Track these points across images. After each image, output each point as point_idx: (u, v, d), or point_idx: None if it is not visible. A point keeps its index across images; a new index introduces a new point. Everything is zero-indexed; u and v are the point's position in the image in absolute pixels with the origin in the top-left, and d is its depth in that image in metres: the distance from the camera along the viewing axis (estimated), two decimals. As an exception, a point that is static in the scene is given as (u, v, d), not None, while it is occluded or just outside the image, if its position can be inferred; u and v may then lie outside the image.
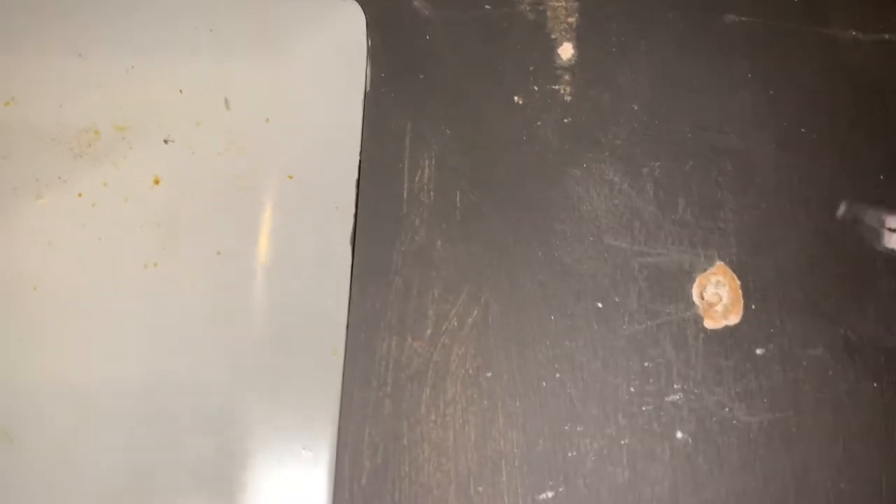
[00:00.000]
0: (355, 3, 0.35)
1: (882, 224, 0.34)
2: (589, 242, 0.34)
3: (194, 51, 0.35)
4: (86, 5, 0.34)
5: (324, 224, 0.33)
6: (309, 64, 0.35)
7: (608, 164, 0.35)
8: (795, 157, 0.35)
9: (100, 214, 0.33)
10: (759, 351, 0.33)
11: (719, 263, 0.34)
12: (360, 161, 0.34)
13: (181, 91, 0.35)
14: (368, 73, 0.35)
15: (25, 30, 0.34)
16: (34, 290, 0.32)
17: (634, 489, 0.31)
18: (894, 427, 0.32)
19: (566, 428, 0.31)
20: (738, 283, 0.33)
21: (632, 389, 0.32)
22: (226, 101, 0.34)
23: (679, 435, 0.32)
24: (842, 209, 0.34)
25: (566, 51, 0.36)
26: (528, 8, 0.36)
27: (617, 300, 0.33)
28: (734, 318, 0.33)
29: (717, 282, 0.33)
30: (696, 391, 0.32)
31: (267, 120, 0.34)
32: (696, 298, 0.33)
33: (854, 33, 0.37)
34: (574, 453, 0.31)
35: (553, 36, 0.37)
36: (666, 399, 0.32)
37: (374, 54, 0.35)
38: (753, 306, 0.33)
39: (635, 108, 0.36)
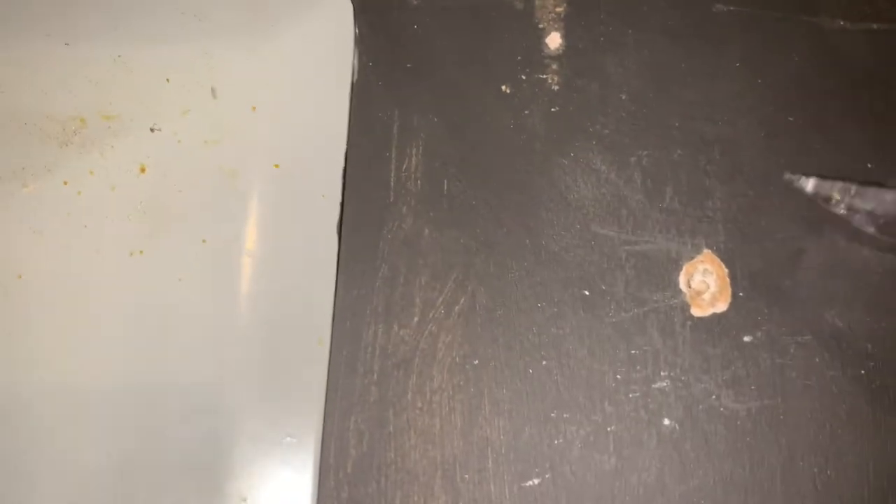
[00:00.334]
0: (342, -9, 0.35)
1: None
2: (576, 231, 0.34)
3: (181, 40, 0.35)
4: (72, -6, 0.34)
5: (310, 212, 0.33)
6: (296, 53, 0.35)
7: (595, 153, 0.35)
8: (783, 145, 0.35)
9: (85, 202, 0.33)
10: (746, 338, 0.33)
11: (706, 251, 0.34)
12: (346, 150, 0.34)
13: (168, 80, 0.34)
14: (356, 63, 0.35)
15: (11, 18, 0.34)
16: (19, 278, 0.32)
17: (621, 476, 0.31)
18: (881, 414, 0.31)
19: (552, 415, 0.31)
20: (726, 270, 0.33)
21: (618, 377, 0.32)
22: (212, 90, 0.34)
23: (666, 422, 0.31)
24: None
25: (554, 40, 0.36)
26: (515, -3, 0.36)
27: (604, 288, 0.33)
28: (721, 306, 0.33)
29: (705, 270, 0.33)
30: (683, 378, 0.32)
31: (254, 108, 0.34)
32: (683, 286, 0.33)
33: (842, 22, 0.37)
34: (560, 440, 0.31)
35: (541, 25, 0.37)
36: (653, 386, 0.32)
37: (361, 43, 0.35)
38: (741, 294, 0.33)
39: (623, 97, 0.36)
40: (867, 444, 0.31)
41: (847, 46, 0.37)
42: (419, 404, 0.31)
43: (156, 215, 0.33)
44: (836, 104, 0.36)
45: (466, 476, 0.31)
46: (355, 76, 0.35)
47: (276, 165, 0.33)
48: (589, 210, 0.34)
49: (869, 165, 0.35)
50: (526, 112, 0.35)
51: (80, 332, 0.31)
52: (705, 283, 0.33)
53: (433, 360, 0.32)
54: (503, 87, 0.36)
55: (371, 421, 0.31)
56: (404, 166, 0.34)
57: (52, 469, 0.30)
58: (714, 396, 0.32)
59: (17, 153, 0.33)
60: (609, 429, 0.31)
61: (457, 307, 0.33)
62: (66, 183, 0.33)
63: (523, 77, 0.36)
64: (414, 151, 0.35)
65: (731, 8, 0.37)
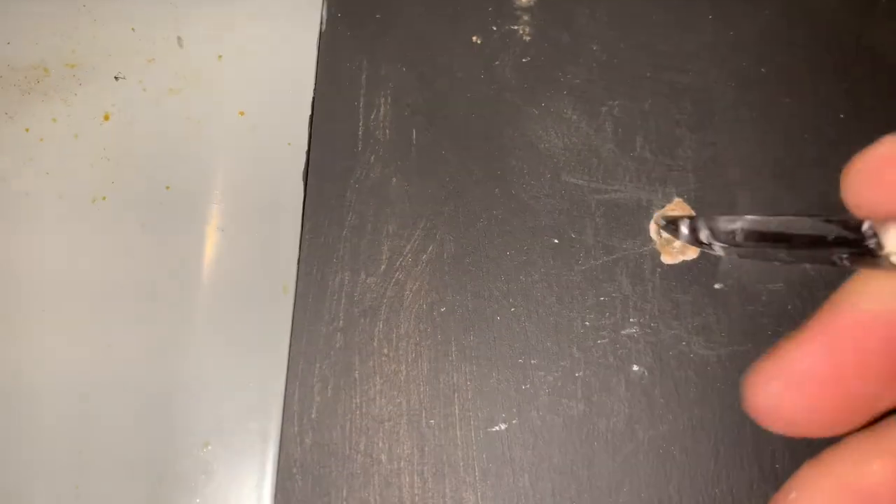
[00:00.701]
0: (310, -61, 0.35)
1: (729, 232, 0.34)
2: (546, 180, 0.34)
3: (147, -10, 0.34)
4: (35, -59, 0.34)
5: (276, 160, 0.33)
6: (263, 2, 0.35)
7: (566, 103, 0.35)
8: (754, 96, 0.35)
9: (48, 150, 0.32)
10: (717, 286, 0.32)
11: (677, 199, 0.33)
12: (313, 99, 0.34)
13: (133, 29, 0.34)
14: (324, 13, 0.35)
15: (-27, -35, 0.34)
16: (-22, 224, 0.31)
17: (589, 421, 0.30)
18: (851, 358, 0.31)
19: (520, 361, 0.31)
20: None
21: (587, 323, 0.32)
22: (178, 39, 0.34)
23: (635, 368, 0.31)
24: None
25: (525, -8, 0.36)
26: (485, -53, 0.36)
27: (573, 236, 0.33)
28: (692, 254, 0.33)
29: (679, 217, 0.33)
30: (652, 325, 0.32)
31: (220, 58, 0.34)
32: (653, 234, 0.33)
33: (814, -25, 0.37)
34: (528, 386, 0.31)
35: (512, -22, 0.36)
36: (622, 333, 0.32)
37: (329, -7, 0.35)
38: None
39: (594, 48, 0.36)
40: (837, 388, 0.31)
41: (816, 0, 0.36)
42: (385, 351, 0.31)
43: (119, 163, 0.32)
44: (807, 56, 0.36)
45: (432, 421, 0.30)
46: (323, 26, 0.35)
47: (242, 113, 0.33)
48: (559, 159, 0.34)
49: (841, 116, 0.35)
50: (496, 63, 0.35)
51: (42, 276, 0.31)
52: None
53: (400, 308, 0.32)
54: (474, 38, 0.35)
55: (336, 367, 0.31)
56: (372, 116, 0.34)
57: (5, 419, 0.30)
58: (684, 343, 0.32)
59: (-22, 101, 0.33)
60: (577, 374, 0.31)
61: (424, 255, 0.32)
62: (27, 130, 0.32)
63: (494, 28, 0.36)
64: (382, 101, 0.34)
65: (703, -40, 0.37)
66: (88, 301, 0.31)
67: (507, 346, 0.31)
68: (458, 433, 0.30)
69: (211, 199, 0.32)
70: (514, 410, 0.30)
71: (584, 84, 0.35)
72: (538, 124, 0.34)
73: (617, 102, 0.35)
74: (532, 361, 0.31)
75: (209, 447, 0.29)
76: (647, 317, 0.32)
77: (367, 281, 0.32)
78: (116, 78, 0.33)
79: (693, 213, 0.33)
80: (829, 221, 0.18)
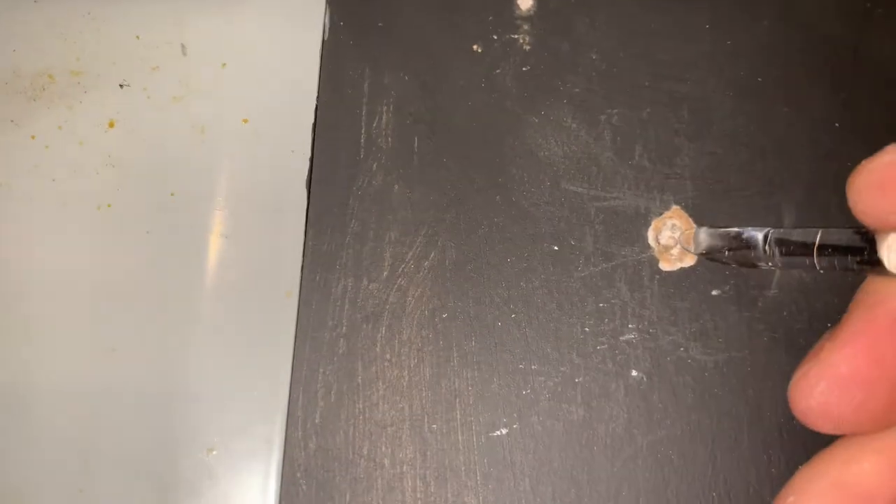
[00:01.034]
0: (313, -51, 0.35)
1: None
2: (546, 187, 0.34)
3: (152, -2, 0.35)
4: (41, -51, 0.34)
5: (279, 167, 0.33)
6: (266, 10, 0.35)
7: (566, 112, 0.35)
8: (752, 105, 0.36)
9: (53, 156, 0.33)
10: (714, 292, 0.33)
11: (675, 207, 0.34)
12: (316, 106, 0.34)
13: (138, 37, 0.34)
14: (327, 21, 0.35)
15: (-21, -27, 0.34)
16: (-16, 230, 0.32)
17: (589, 426, 0.31)
18: (846, 364, 0.32)
19: (521, 366, 0.31)
20: (694, 226, 0.34)
21: (587, 329, 0.32)
22: (182, 46, 0.34)
23: (634, 373, 0.32)
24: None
25: (525, 1, 0.37)
26: (486, -43, 0.37)
27: (573, 243, 0.33)
28: (689, 261, 0.33)
29: (673, 225, 0.34)
30: (650, 331, 0.32)
31: (224, 65, 0.34)
32: (651, 241, 0.33)
33: (810, -15, 0.37)
34: (528, 391, 0.31)
35: (513, -13, 0.37)
36: (621, 339, 0.32)
37: (333, 2, 0.35)
38: (709, 249, 0.33)
39: (594, 57, 0.36)
40: (832, 394, 0.31)
41: (814, 10, 0.37)
42: (388, 356, 0.31)
43: (124, 170, 0.33)
44: (804, 65, 0.36)
45: (434, 426, 0.31)
46: (326, 34, 0.35)
47: (245, 120, 0.33)
48: (559, 167, 0.34)
49: (837, 125, 0.36)
50: (497, 71, 0.36)
51: (46, 283, 0.31)
52: (673, 238, 0.33)
53: (402, 314, 0.32)
54: (474, 47, 0.36)
55: (340, 373, 0.31)
56: (374, 124, 0.34)
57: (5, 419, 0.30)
58: (682, 348, 0.32)
59: (-17, 108, 0.33)
60: (577, 380, 0.31)
61: (426, 262, 0.33)
62: (33, 137, 0.33)
63: (495, 37, 0.36)
64: (384, 109, 0.35)
65: (701, -30, 0.37)
66: (93, 307, 0.31)
67: (507, 352, 0.32)
68: (460, 438, 0.31)
69: (215, 206, 0.32)
70: (515, 415, 0.31)
71: (583, 93, 0.35)
72: (538, 132, 0.35)
73: (616, 111, 0.35)
74: (532, 367, 0.31)
75: (214, 452, 0.30)
76: (646, 323, 0.32)
77: (370, 287, 0.32)
78: (121, 85, 0.34)
79: (691, 221, 0.34)
80: (853, 231, 0.18)
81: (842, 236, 0.18)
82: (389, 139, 0.34)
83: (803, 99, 0.36)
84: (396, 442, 0.30)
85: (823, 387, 0.16)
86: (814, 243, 0.19)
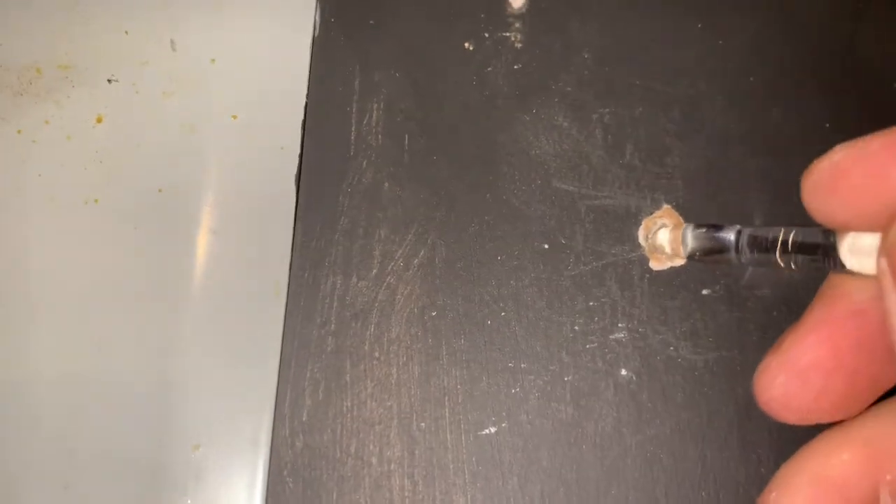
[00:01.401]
0: (304, -55, 0.35)
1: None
2: (537, 186, 0.34)
3: (141, -7, 0.35)
4: (29, -57, 0.34)
5: (268, 164, 0.33)
6: (256, 6, 0.35)
7: (558, 110, 0.35)
8: (742, 106, 0.36)
9: (40, 151, 0.32)
10: (704, 291, 0.33)
11: (666, 207, 0.34)
12: (306, 103, 0.34)
13: (126, 32, 0.34)
14: (318, 18, 0.35)
15: (-33, -34, 0.34)
16: (-30, 225, 0.31)
17: (578, 425, 0.31)
18: (836, 364, 0.32)
19: (510, 365, 0.31)
20: (685, 225, 0.33)
21: (576, 328, 0.32)
22: (171, 41, 0.34)
23: (623, 372, 0.31)
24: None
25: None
26: (478, -45, 0.37)
27: (563, 242, 0.33)
28: (680, 260, 0.33)
29: (664, 224, 0.33)
30: (640, 330, 0.32)
31: (213, 61, 0.34)
32: (642, 240, 0.33)
33: (801, -14, 0.37)
34: (518, 389, 0.31)
35: (505, -14, 0.37)
36: (610, 337, 0.32)
37: (323, -2, 0.35)
38: (699, 248, 0.33)
39: (586, 56, 0.36)
40: (822, 394, 0.31)
41: (805, 11, 0.37)
42: (376, 354, 0.31)
43: (112, 165, 0.32)
44: (795, 66, 0.36)
45: (423, 425, 0.31)
46: (317, 31, 0.35)
47: (234, 117, 0.33)
48: (550, 165, 0.34)
49: (827, 125, 0.36)
50: (489, 69, 0.35)
51: (33, 278, 0.31)
52: (664, 238, 0.33)
53: (391, 311, 0.32)
54: (466, 45, 0.36)
55: (327, 370, 0.31)
56: (365, 121, 0.34)
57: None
58: (672, 348, 0.32)
59: (-30, 102, 0.33)
60: (566, 378, 0.31)
61: (416, 260, 0.33)
62: (19, 132, 0.32)
63: (486, 35, 0.36)
64: (375, 106, 0.35)
65: (693, -30, 0.37)
66: (79, 303, 0.31)
67: (497, 350, 0.31)
68: (449, 436, 0.30)
69: (203, 202, 0.32)
70: (504, 414, 0.31)
71: (575, 91, 0.35)
72: (529, 131, 0.35)
73: (607, 110, 0.35)
74: (522, 365, 0.31)
75: (200, 449, 0.30)
76: (636, 322, 0.32)
77: (359, 284, 0.32)
78: (109, 80, 0.33)
79: (682, 220, 0.34)
80: (820, 230, 0.18)
81: (806, 235, 0.18)
82: (380, 136, 0.34)
83: (794, 99, 0.36)
84: (384, 440, 0.30)
85: (783, 378, 0.17)
86: (780, 240, 0.19)
